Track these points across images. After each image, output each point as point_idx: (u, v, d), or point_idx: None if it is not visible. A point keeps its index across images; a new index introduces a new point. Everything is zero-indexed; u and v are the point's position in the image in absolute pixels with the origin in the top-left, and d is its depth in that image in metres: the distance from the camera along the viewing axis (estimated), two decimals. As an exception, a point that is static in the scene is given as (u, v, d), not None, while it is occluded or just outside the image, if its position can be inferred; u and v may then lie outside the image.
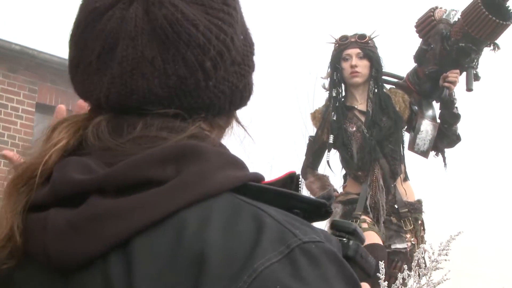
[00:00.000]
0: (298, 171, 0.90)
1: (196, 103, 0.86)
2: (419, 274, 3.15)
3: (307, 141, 4.31)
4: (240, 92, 0.90)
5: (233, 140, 0.96)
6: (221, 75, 0.86)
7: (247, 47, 0.91)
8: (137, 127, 0.84)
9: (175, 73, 0.83)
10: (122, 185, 0.79)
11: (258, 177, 0.85)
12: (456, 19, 3.89)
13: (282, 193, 0.83)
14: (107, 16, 0.85)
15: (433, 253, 3.06)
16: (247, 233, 0.75)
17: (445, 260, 3.01)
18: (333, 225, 0.93)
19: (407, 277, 3.09)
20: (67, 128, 0.88)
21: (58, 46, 8.26)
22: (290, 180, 0.89)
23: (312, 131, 4.33)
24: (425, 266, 3.11)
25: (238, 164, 0.84)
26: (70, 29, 0.91)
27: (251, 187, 0.82)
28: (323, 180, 4.29)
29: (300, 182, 0.89)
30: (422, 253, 3.22)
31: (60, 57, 8.43)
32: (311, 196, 0.86)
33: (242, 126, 0.96)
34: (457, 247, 3.22)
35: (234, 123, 0.95)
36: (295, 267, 0.73)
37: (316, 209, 0.85)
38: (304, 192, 4.30)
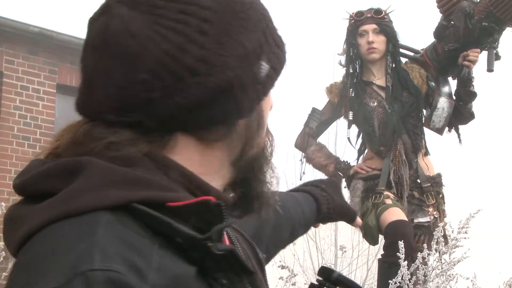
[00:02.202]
0: (219, 200, 0.85)
1: (145, 115, 0.85)
2: (439, 252, 3.18)
3: (310, 111, 4.27)
4: (200, 107, 0.86)
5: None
6: (167, 87, 0.84)
7: (218, 56, 0.85)
8: (80, 134, 0.87)
9: (116, 84, 0.85)
10: (26, 194, 0.85)
11: (158, 199, 0.82)
12: None
13: (159, 220, 0.81)
14: (92, 24, 0.89)
15: (452, 231, 3.09)
16: (48, 258, 0.77)
17: (465, 238, 3.02)
18: (319, 272, 0.93)
19: (427, 256, 3.12)
20: (64, 132, 0.91)
21: (76, 27, 8.28)
22: (204, 207, 0.83)
23: (322, 103, 4.31)
24: (445, 244, 3.13)
25: (135, 182, 0.82)
26: None
27: (136, 209, 0.81)
28: (326, 149, 4.30)
29: (223, 210, 0.84)
30: (441, 232, 3.24)
31: (78, 38, 8.45)
32: (184, 229, 0.81)
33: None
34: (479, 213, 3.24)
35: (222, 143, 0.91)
36: None
37: (191, 241, 0.81)
38: (300, 165, 4.30)
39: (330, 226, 11.60)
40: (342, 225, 10.49)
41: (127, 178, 0.82)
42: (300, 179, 4.43)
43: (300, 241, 11.37)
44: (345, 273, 10.91)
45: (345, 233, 10.99)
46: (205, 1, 0.87)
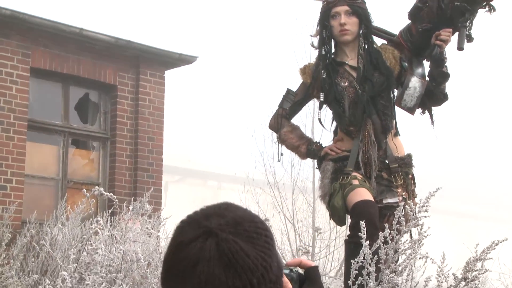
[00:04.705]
0: None
1: None
2: (399, 231, 3.20)
3: (284, 92, 4.27)
4: None
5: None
6: None
7: (280, 271, 1.37)
8: None
9: (233, 285, 1.28)
10: None
11: None
12: None
13: None
14: (191, 246, 1.31)
15: (412, 211, 3.10)
16: None
17: (425, 216, 3.05)
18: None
19: (388, 235, 3.15)
20: None
21: (49, 10, 8.19)
22: None
23: (296, 85, 4.30)
24: (406, 223, 3.15)
25: None
26: (164, 252, 1.40)
27: None
28: (298, 130, 4.30)
29: None
30: (402, 211, 3.26)
31: (51, 21, 8.37)
32: None
33: None
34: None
35: None
36: None
37: None
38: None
39: (307, 208, 11.63)
40: (319, 207, 10.53)
41: None
42: (279, 160, 4.43)
43: (278, 223, 11.39)
44: (322, 254, 10.97)
45: (322, 215, 11.03)
46: (268, 233, 1.36)
